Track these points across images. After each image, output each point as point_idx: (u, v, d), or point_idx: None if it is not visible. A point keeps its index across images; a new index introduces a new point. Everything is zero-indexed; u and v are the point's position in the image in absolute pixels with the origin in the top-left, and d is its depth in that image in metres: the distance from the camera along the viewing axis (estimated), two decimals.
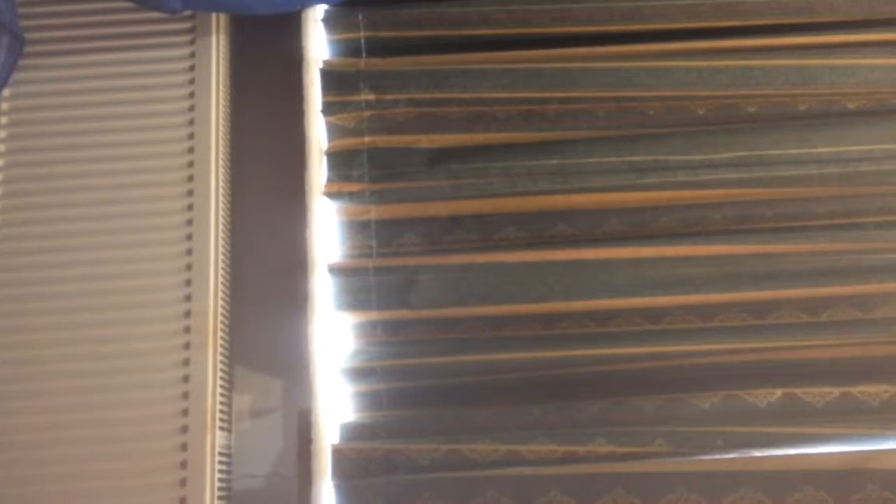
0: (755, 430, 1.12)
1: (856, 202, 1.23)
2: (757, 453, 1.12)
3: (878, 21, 1.30)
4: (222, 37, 1.25)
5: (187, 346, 1.12)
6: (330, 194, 1.23)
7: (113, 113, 1.21)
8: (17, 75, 1.21)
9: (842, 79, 1.27)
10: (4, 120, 1.20)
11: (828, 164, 1.23)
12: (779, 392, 1.14)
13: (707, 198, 1.23)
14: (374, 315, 1.19)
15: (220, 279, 1.17)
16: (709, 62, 1.28)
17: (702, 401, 1.14)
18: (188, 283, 1.14)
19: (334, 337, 1.18)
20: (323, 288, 1.18)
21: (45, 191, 1.18)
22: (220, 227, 1.18)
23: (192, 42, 1.23)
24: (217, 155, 1.20)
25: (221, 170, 1.20)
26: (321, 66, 1.28)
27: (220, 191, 1.19)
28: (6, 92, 1.20)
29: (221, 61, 1.23)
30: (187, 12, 1.21)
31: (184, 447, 1.08)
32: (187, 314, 1.13)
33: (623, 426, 1.12)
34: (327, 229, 1.22)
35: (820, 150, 1.24)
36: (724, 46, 1.29)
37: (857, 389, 1.14)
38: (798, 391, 1.14)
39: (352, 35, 1.30)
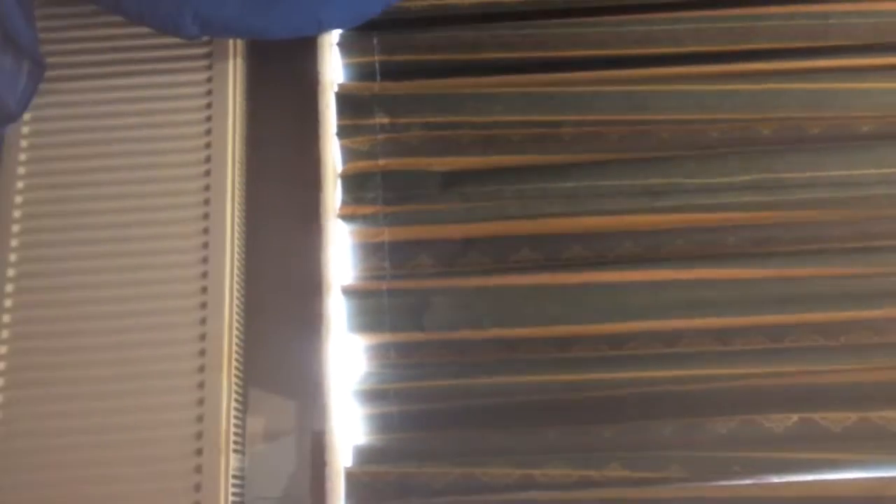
0: (772, 456, 1.11)
1: (870, 225, 1.22)
2: (774, 479, 1.11)
3: (890, 45, 1.30)
4: (239, 61, 1.26)
5: (202, 368, 1.12)
6: (344, 216, 1.24)
7: (130, 136, 1.22)
8: (36, 100, 1.22)
9: (855, 102, 1.27)
10: (24, 143, 1.22)
11: (841, 187, 1.23)
12: (796, 417, 1.13)
13: (722, 221, 1.23)
14: (388, 337, 1.19)
15: (235, 302, 1.17)
16: (722, 86, 1.28)
17: (718, 425, 1.13)
18: (203, 305, 1.15)
19: (348, 359, 1.18)
20: (337, 310, 1.19)
21: (63, 213, 1.19)
22: (236, 249, 1.19)
23: (209, 67, 1.25)
24: (233, 178, 1.21)
25: (237, 192, 1.21)
26: (336, 89, 1.29)
27: (236, 213, 1.20)
28: (26, 116, 1.22)
29: (238, 85, 1.25)
30: (205, 37, 1.23)
31: (198, 469, 1.08)
32: (202, 337, 1.14)
33: (638, 451, 1.11)
34: (341, 251, 1.22)
35: (833, 173, 1.24)
36: (737, 70, 1.29)
37: (875, 415, 1.13)
38: (815, 416, 1.13)
39: (366, 59, 1.31)
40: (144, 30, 1.23)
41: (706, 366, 1.16)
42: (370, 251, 1.24)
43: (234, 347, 1.15)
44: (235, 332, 1.16)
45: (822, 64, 1.29)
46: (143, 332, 1.14)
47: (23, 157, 1.21)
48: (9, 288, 1.15)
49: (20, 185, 1.20)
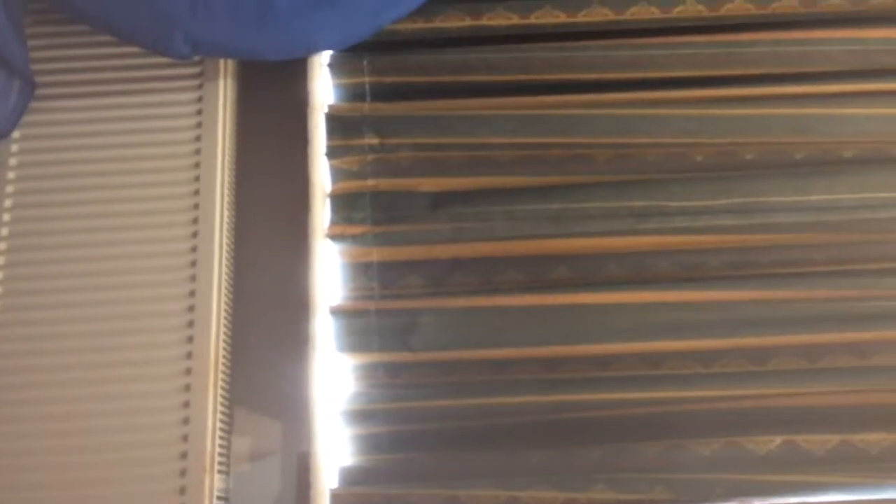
0: (755, 478, 1.12)
1: (852, 249, 1.24)
2: (757, 501, 1.12)
3: (872, 71, 1.33)
4: (230, 81, 1.27)
5: (188, 387, 1.12)
6: (333, 236, 1.24)
7: (120, 155, 1.23)
8: (26, 118, 1.22)
9: (837, 128, 1.29)
10: (14, 161, 1.22)
11: (824, 211, 1.25)
12: (778, 439, 1.14)
13: (706, 243, 1.24)
14: (376, 357, 1.20)
15: (223, 321, 1.17)
16: (707, 110, 1.30)
17: (702, 447, 1.14)
18: (190, 324, 1.15)
19: (335, 379, 1.18)
20: (325, 330, 1.19)
21: (50, 231, 1.19)
22: (224, 269, 1.19)
23: (199, 87, 1.26)
24: (222, 198, 1.21)
25: (226, 212, 1.22)
26: (326, 110, 1.30)
27: (224, 233, 1.21)
28: (16, 134, 1.22)
29: (228, 105, 1.26)
30: (196, 57, 1.23)
31: (182, 490, 1.08)
32: (188, 355, 1.14)
33: (624, 472, 1.12)
34: (330, 271, 1.23)
35: (816, 197, 1.25)
36: (722, 95, 1.31)
37: (856, 437, 1.14)
38: (798, 438, 1.14)
39: (357, 80, 1.32)
40: (135, 49, 1.24)
41: (690, 388, 1.17)
42: (359, 271, 1.24)
43: (221, 366, 1.15)
44: (222, 351, 1.16)
45: (805, 90, 1.31)
46: (129, 350, 1.14)
47: (11, 175, 1.21)
48: None
49: (8, 203, 1.20)
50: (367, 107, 1.31)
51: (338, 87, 1.33)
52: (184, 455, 1.09)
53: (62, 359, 1.13)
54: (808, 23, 1.33)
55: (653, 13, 1.31)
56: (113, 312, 1.15)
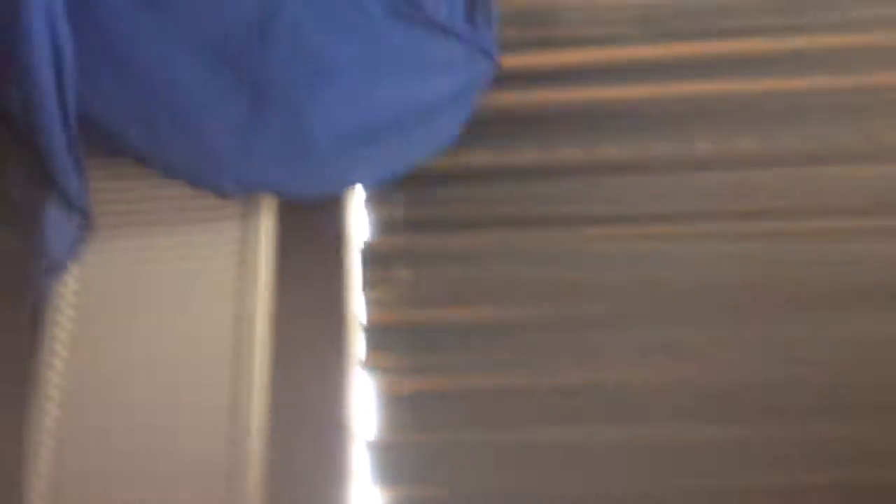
0: None
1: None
2: None
3: (787, 211, 1.37)
4: (270, 215, 1.31)
5: None
6: (367, 368, 1.27)
7: (162, 289, 1.26)
8: None
9: (755, 266, 1.32)
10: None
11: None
12: None
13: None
14: (410, 491, 1.21)
15: (258, 454, 1.18)
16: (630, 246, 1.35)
17: None
18: (230, 457, 1.15)
19: None
20: (359, 462, 1.20)
21: (105, 364, 1.21)
22: (261, 401, 1.21)
23: (241, 221, 1.30)
24: (261, 329, 1.24)
25: (264, 343, 1.24)
26: (361, 243, 1.35)
27: (263, 365, 1.23)
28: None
29: (269, 241, 1.30)
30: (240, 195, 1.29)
31: None
32: (227, 490, 1.14)
33: None
34: (365, 402, 1.25)
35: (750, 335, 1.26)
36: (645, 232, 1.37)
37: None
38: None
39: (392, 214, 1.38)
40: (179, 185, 1.28)
41: None
42: (392, 402, 1.26)
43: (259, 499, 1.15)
44: (259, 486, 1.17)
45: (720, 228, 1.36)
46: (168, 485, 1.14)
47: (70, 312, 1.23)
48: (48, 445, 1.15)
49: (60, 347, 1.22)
50: (401, 240, 1.36)
51: (372, 220, 1.38)
52: None
53: (105, 487, 1.13)
54: (725, 164, 1.40)
55: None
56: (151, 445, 1.16)
